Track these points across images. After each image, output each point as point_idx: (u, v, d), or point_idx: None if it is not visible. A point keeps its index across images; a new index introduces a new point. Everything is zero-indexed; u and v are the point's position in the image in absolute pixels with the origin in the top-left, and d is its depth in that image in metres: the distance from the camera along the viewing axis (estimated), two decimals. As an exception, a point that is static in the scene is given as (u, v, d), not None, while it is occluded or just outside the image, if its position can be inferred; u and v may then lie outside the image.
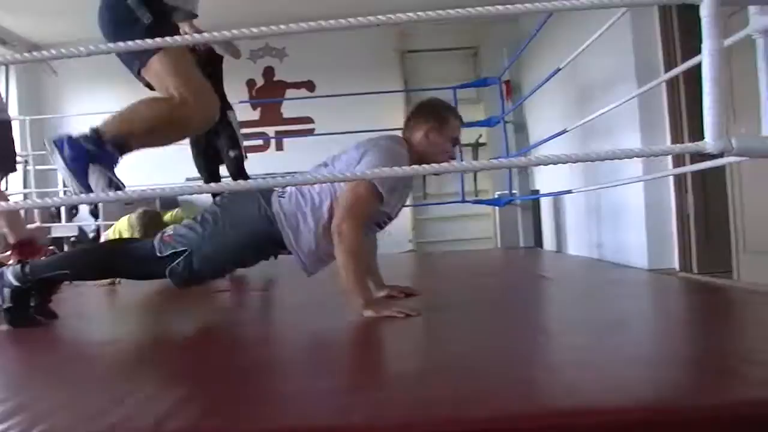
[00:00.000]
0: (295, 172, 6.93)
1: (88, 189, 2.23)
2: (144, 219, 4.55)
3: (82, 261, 2.68)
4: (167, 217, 4.98)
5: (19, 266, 2.53)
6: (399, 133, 2.78)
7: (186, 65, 2.40)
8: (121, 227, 4.81)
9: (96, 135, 2.30)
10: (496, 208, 7.06)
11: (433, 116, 2.69)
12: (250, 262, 2.68)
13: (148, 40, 1.83)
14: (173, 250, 2.49)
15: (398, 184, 2.59)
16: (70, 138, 2.28)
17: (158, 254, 2.50)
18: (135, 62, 2.40)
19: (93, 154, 2.25)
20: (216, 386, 1.57)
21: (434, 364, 1.73)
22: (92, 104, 8.25)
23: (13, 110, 8.18)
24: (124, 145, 2.28)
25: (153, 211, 4.73)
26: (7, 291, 2.51)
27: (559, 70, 4.61)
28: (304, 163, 6.82)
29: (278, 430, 1.23)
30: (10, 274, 2.51)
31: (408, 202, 7.90)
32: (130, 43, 1.78)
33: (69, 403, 1.47)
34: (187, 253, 2.48)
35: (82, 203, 7.12)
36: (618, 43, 4.40)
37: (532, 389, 1.40)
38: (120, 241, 2.85)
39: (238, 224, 2.51)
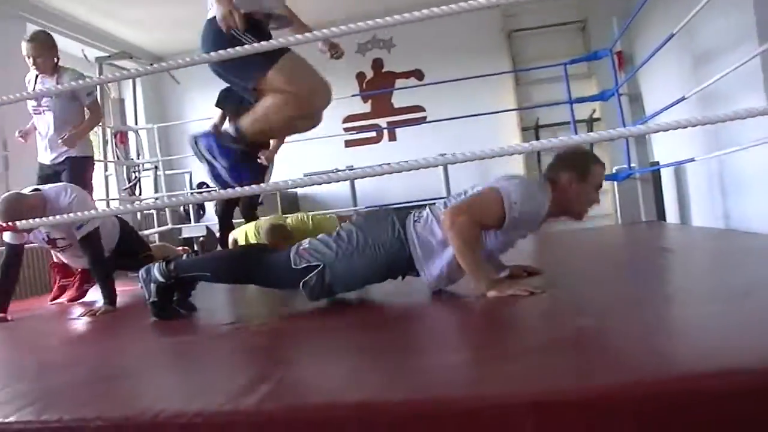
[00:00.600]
0: (407, 161, 7.08)
1: (239, 182, 2.73)
2: (272, 234, 4.75)
3: (224, 266, 2.85)
4: (289, 221, 5.18)
5: (164, 264, 2.73)
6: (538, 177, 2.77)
7: (297, 67, 2.75)
8: (249, 231, 5.05)
9: (239, 135, 2.72)
10: (615, 182, 6.89)
11: (575, 168, 2.62)
12: (378, 280, 2.74)
13: (264, 43, 2.01)
14: (307, 264, 2.60)
15: (525, 223, 2.57)
16: (217, 141, 2.63)
17: (293, 266, 2.62)
18: (250, 81, 2.76)
19: (241, 152, 2.74)
20: (356, 362, 1.68)
21: (561, 336, 1.75)
22: (211, 112, 8.65)
23: (141, 119, 8.68)
24: (261, 142, 2.57)
25: (279, 224, 4.96)
26: (153, 286, 2.73)
27: (673, 35, 4.47)
28: (417, 152, 6.93)
29: (418, 401, 1.31)
30: (156, 271, 2.73)
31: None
32: (247, 47, 1.91)
33: (219, 380, 1.62)
34: (320, 267, 2.59)
35: (206, 201, 7.49)
36: (736, 1, 4.22)
37: (663, 357, 1.41)
38: (257, 250, 2.97)
39: (372, 245, 2.58)
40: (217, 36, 2.72)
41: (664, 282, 2.86)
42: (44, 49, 4.51)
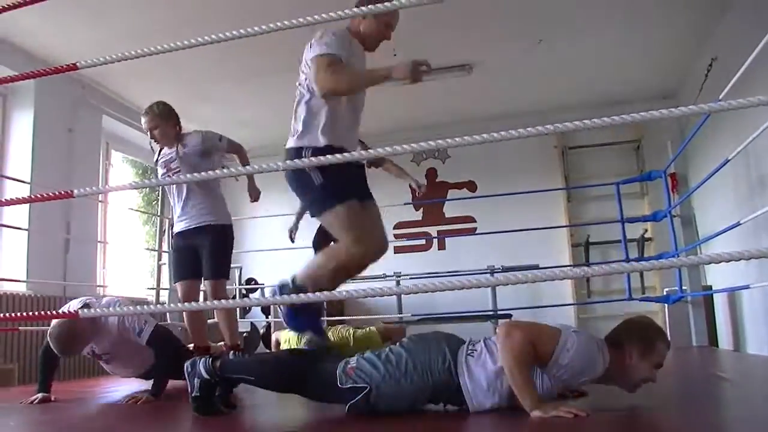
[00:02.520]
0: (456, 272, 7.09)
1: (301, 330, 3.18)
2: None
3: (269, 373, 2.82)
4: (330, 334, 5.03)
5: (210, 360, 2.74)
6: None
7: (354, 217, 2.91)
8: (292, 336, 5.02)
9: (294, 285, 2.97)
10: (666, 305, 6.77)
11: (642, 341, 2.53)
12: (422, 405, 2.68)
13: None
14: (354, 384, 2.59)
15: (571, 376, 2.50)
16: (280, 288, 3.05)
17: (339, 384, 2.60)
18: (311, 209, 3.07)
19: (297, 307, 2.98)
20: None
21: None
22: (265, 207, 8.85)
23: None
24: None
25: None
26: (197, 381, 2.73)
27: (728, 161, 4.48)
28: (466, 262, 6.93)
29: None
30: (201, 367, 2.73)
31: (571, 300, 7.82)
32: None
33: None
34: (367, 390, 2.57)
35: (257, 305, 7.56)
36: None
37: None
38: (304, 360, 2.95)
39: (420, 371, 2.56)
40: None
41: (718, 411, 2.76)
42: (161, 119, 4.35)
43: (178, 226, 4.47)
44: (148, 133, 4.37)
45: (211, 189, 4.57)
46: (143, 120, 4.37)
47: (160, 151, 4.50)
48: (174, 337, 4.17)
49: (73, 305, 3.68)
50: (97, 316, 3.50)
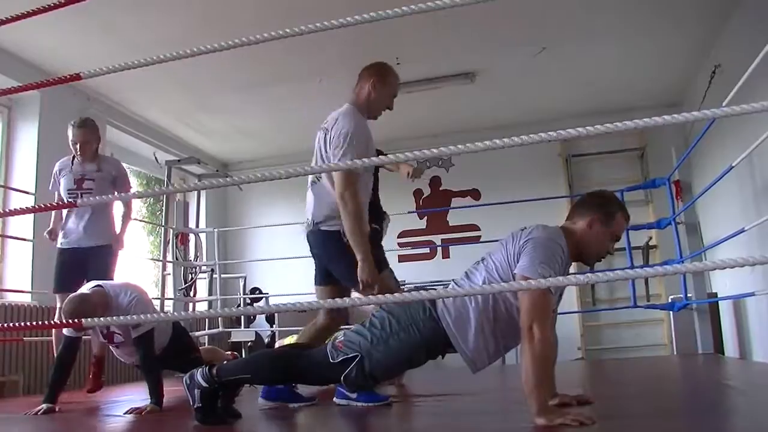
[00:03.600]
0: (459, 285, 7.06)
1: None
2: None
3: (264, 366, 2.84)
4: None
5: (207, 369, 2.73)
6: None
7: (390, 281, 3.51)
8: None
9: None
10: (671, 312, 6.75)
11: (602, 208, 2.65)
12: (418, 362, 2.72)
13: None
14: (344, 356, 2.60)
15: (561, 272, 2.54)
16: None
17: (331, 360, 2.62)
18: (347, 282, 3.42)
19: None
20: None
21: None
22: (270, 218, 8.89)
23: (202, 222, 8.94)
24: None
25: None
26: (197, 392, 2.71)
27: (732, 167, 4.48)
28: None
29: None
30: (199, 376, 2.72)
31: (576, 308, 7.80)
32: None
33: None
34: (358, 358, 2.59)
35: (260, 313, 7.55)
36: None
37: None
38: (295, 348, 2.99)
39: (405, 326, 2.58)
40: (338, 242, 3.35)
41: (726, 419, 2.74)
42: (93, 135, 4.62)
43: (71, 242, 4.60)
44: (78, 146, 4.54)
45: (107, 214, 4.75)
46: (76, 132, 4.54)
47: (72, 161, 4.64)
48: (187, 340, 4.35)
49: (86, 288, 3.72)
50: (109, 296, 3.61)
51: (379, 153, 3.98)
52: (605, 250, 2.66)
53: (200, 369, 2.75)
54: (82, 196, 4.51)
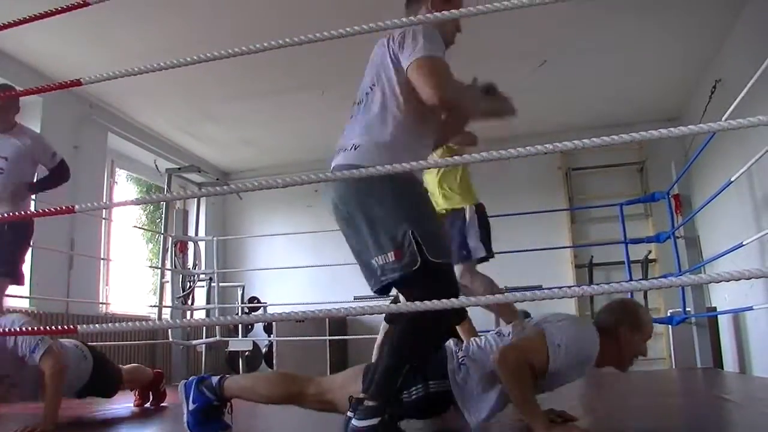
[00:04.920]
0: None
1: None
2: None
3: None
4: None
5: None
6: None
7: None
8: None
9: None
10: (670, 326, 6.74)
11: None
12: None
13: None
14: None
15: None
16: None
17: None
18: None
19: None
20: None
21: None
22: (270, 227, 8.90)
23: (201, 230, 8.95)
24: None
25: None
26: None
27: (731, 182, 4.48)
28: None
29: None
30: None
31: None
32: None
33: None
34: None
35: (258, 322, 7.55)
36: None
37: None
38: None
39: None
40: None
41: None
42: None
43: None
44: None
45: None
46: None
47: None
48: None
49: None
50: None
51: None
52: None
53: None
54: None
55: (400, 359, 2.27)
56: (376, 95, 2.47)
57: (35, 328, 3.02)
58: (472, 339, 2.62)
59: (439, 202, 4.43)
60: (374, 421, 2.16)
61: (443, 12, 1.61)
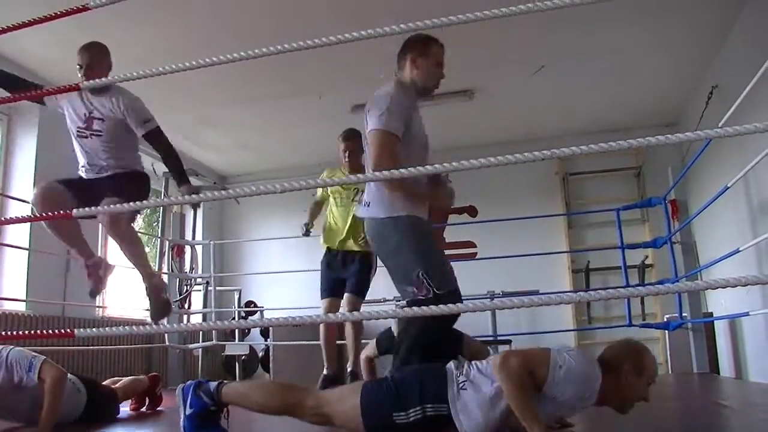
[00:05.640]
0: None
1: None
2: None
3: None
4: None
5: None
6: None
7: None
8: None
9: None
10: (666, 332, 6.75)
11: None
12: None
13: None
14: None
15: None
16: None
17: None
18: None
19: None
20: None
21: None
22: (267, 231, 8.89)
23: (198, 234, 8.93)
24: None
25: None
26: (190, 410, 2.69)
27: (727, 188, 4.49)
28: (467, 287, 6.95)
29: None
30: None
31: (571, 326, 7.80)
32: None
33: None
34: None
35: (255, 327, 7.55)
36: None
37: None
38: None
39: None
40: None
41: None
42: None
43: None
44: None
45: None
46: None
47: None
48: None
49: None
50: None
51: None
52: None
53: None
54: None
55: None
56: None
57: (25, 354, 3.18)
58: (473, 362, 2.60)
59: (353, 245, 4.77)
60: None
61: (441, 19, 1.61)
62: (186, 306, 8.13)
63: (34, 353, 3.24)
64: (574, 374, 2.38)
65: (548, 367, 2.38)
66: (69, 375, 3.49)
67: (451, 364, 2.59)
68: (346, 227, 4.76)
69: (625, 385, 2.49)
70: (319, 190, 5.14)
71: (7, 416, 3.42)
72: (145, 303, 4.08)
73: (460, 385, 2.50)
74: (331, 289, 4.74)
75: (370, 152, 2.94)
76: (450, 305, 1.58)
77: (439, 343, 2.89)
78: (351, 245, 4.77)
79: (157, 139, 3.90)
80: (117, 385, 4.01)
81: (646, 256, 7.71)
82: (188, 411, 2.67)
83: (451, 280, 3.01)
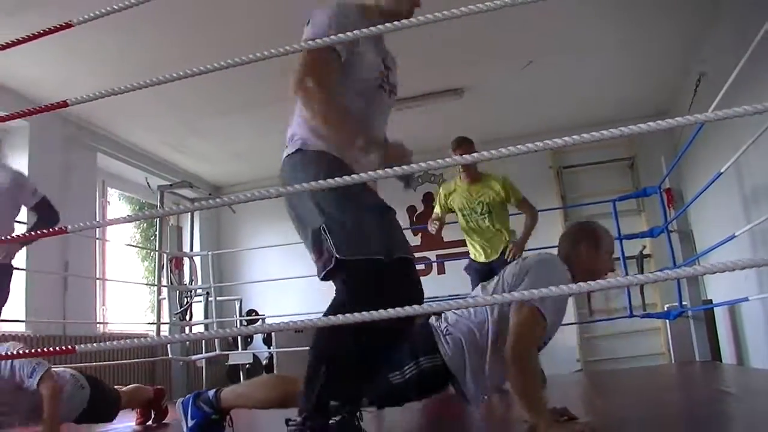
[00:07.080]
0: (457, 296, 7.07)
1: None
2: None
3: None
4: None
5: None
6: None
7: None
8: None
9: None
10: (667, 321, 6.75)
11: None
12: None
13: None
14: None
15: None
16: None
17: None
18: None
19: None
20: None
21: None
22: (264, 239, 8.87)
23: (196, 245, 8.92)
24: None
25: None
26: (192, 422, 2.69)
27: (720, 174, 4.50)
28: (466, 286, 6.94)
29: None
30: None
31: (573, 320, 7.80)
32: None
33: None
34: None
35: (256, 333, 7.52)
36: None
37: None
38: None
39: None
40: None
41: (726, 427, 2.73)
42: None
43: None
44: None
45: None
46: None
47: None
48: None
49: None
50: None
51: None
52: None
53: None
54: None
55: (317, 361, 2.01)
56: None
57: (30, 359, 3.26)
58: (449, 312, 2.63)
59: None
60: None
61: (427, 15, 1.61)
62: (187, 318, 8.12)
63: (39, 360, 3.32)
64: (555, 299, 2.48)
65: (545, 321, 2.45)
66: (73, 372, 3.56)
67: (431, 318, 2.63)
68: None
69: (588, 262, 2.66)
70: (437, 208, 5.18)
71: (8, 414, 3.45)
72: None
73: (445, 333, 2.54)
74: None
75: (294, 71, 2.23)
76: (457, 302, 1.54)
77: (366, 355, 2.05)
78: None
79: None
80: (121, 389, 4.05)
81: (644, 246, 7.71)
82: (190, 423, 2.67)
83: (369, 243, 2.01)
